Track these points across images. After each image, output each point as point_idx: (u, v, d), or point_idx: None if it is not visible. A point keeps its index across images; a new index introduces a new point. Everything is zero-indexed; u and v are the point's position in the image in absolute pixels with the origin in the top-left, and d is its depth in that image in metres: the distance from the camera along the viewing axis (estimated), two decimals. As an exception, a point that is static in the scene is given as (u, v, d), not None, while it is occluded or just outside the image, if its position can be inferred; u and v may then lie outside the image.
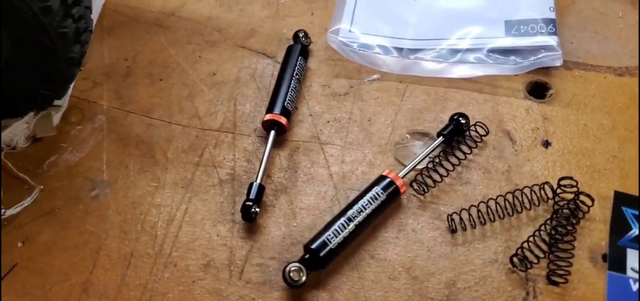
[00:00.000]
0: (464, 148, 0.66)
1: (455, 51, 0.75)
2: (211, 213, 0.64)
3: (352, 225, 0.59)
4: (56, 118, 0.71)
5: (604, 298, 0.57)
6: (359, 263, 0.60)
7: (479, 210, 0.62)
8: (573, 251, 0.58)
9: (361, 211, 0.60)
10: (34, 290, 0.59)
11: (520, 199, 0.62)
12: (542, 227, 0.60)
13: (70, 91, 0.73)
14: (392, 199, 0.62)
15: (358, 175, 0.66)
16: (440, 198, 0.64)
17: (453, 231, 0.61)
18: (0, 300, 0.59)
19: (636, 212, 0.61)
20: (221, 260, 0.61)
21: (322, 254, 0.57)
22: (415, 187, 0.64)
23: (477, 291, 0.58)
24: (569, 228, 0.59)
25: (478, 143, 0.67)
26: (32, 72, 0.62)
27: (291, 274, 0.56)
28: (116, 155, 0.69)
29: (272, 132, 0.67)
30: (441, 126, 0.68)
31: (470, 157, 0.66)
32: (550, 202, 0.62)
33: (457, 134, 0.67)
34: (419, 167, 0.65)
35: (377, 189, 0.61)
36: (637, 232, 0.60)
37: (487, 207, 0.62)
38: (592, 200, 0.60)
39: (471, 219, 0.61)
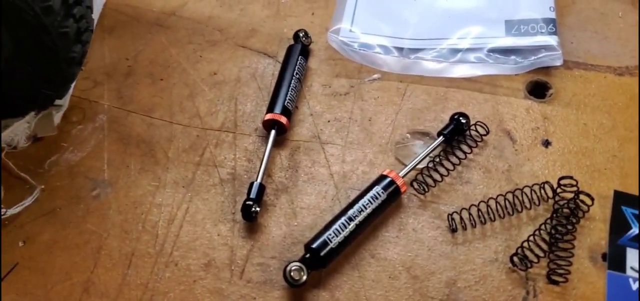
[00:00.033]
0: (464, 147, 0.66)
1: (456, 51, 0.75)
2: (212, 213, 0.64)
3: (352, 225, 0.59)
4: (57, 117, 0.71)
5: (603, 297, 0.57)
6: (359, 262, 0.60)
7: (479, 210, 0.62)
8: (573, 250, 0.59)
9: (362, 210, 0.60)
10: (35, 289, 0.60)
11: (520, 198, 0.62)
12: (542, 226, 0.60)
13: (71, 91, 0.73)
14: (392, 198, 0.62)
15: (359, 174, 0.66)
16: (440, 197, 0.64)
17: (453, 230, 0.62)
18: (0, 300, 0.59)
19: (636, 211, 0.61)
20: (222, 260, 0.61)
21: (322, 253, 0.57)
22: (416, 186, 0.64)
23: (477, 290, 0.58)
24: (569, 227, 0.59)
25: (478, 143, 0.67)
26: (33, 71, 0.62)
27: (292, 273, 0.56)
28: (117, 155, 0.69)
29: (273, 132, 0.68)
30: (441, 125, 0.68)
31: (470, 156, 0.66)
32: (550, 201, 0.62)
33: (457, 134, 0.67)
34: (420, 166, 0.65)
35: (377, 188, 0.61)
36: (636, 231, 0.60)
37: (488, 206, 0.62)
38: (592, 199, 0.61)
39: (471, 218, 0.62)
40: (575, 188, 0.61)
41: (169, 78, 0.76)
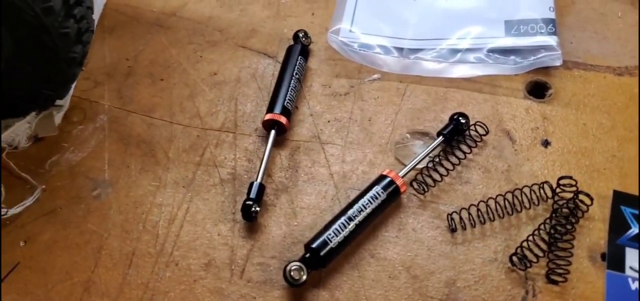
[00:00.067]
0: (464, 147, 0.66)
1: (456, 51, 0.75)
2: (212, 213, 0.64)
3: (352, 224, 0.59)
4: (58, 118, 0.71)
5: (602, 296, 0.57)
6: (359, 262, 0.60)
7: (478, 210, 0.62)
8: (572, 250, 0.59)
9: (361, 210, 0.60)
10: (36, 289, 0.60)
11: (519, 198, 0.62)
12: (542, 226, 0.60)
13: (71, 91, 0.73)
14: (392, 198, 0.62)
15: (358, 174, 0.66)
16: (440, 197, 0.64)
17: (453, 230, 0.62)
18: (0, 300, 0.59)
19: (635, 211, 0.61)
20: (222, 259, 0.61)
21: (322, 253, 0.57)
22: (416, 186, 0.64)
23: (476, 290, 0.58)
24: (568, 227, 0.59)
25: (478, 143, 0.67)
26: (33, 72, 0.62)
27: (292, 273, 0.56)
28: (118, 155, 0.69)
29: (273, 132, 0.68)
30: (441, 126, 0.68)
31: (470, 156, 0.66)
32: (550, 201, 0.62)
33: (457, 134, 0.67)
34: (419, 166, 0.65)
35: (377, 188, 0.61)
36: (636, 231, 0.60)
37: (487, 206, 0.62)
38: (591, 199, 0.61)
39: (471, 218, 0.62)
40: (574, 188, 0.61)
41: (169, 78, 0.76)
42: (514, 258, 0.59)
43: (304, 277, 0.56)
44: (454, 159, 0.65)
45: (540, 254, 0.58)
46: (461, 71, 0.74)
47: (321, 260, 0.58)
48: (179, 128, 0.71)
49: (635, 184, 0.63)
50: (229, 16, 0.82)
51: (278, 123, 0.68)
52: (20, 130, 0.69)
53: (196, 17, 0.82)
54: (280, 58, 0.76)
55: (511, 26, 0.76)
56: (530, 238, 0.59)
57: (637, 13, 0.79)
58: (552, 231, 0.59)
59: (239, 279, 0.60)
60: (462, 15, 0.78)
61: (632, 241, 0.60)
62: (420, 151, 0.66)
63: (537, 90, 0.72)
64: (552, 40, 0.73)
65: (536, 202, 0.62)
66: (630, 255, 0.59)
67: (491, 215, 0.62)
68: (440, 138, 0.67)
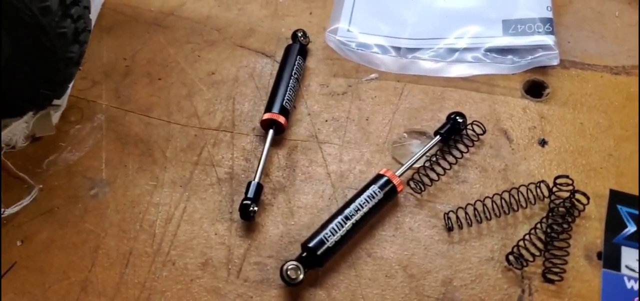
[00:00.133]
0: (461, 147, 0.66)
1: (453, 50, 0.75)
2: (209, 212, 0.64)
3: (349, 224, 0.59)
4: (55, 117, 0.72)
5: (598, 295, 0.57)
6: (356, 261, 0.60)
7: (475, 209, 0.62)
8: (568, 249, 0.59)
9: (358, 209, 0.60)
10: (33, 288, 0.60)
11: (516, 197, 0.62)
12: (538, 225, 0.60)
13: (69, 90, 0.73)
14: (389, 198, 0.62)
15: (356, 173, 0.67)
16: (437, 196, 0.64)
17: (450, 229, 0.62)
18: (0, 299, 0.59)
19: (631, 210, 0.61)
20: (219, 259, 0.61)
21: (319, 252, 0.57)
22: (413, 185, 0.64)
23: (473, 289, 0.58)
24: (565, 226, 0.59)
25: (475, 142, 0.67)
26: (31, 71, 0.62)
27: (289, 272, 0.56)
28: (115, 154, 0.69)
29: (271, 131, 0.68)
30: (438, 125, 0.68)
31: (467, 155, 0.67)
32: (546, 200, 0.62)
33: (454, 133, 0.67)
34: (416, 165, 0.65)
35: (374, 188, 0.61)
36: (632, 230, 0.60)
37: (484, 205, 0.62)
38: (588, 198, 0.61)
39: (468, 217, 0.62)
40: (571, 187, 0.61)
41: (167, 78, 0.76)
42: (511, 257, 0.59)
43: (301, 276, 0.57)
44: (451, 158, 0.65)
45: (537, 253, 0.58)
46: (459, 70, 0.74)
47: (318, 259, 0.58)
48: (176, 127, 0.71)
49: (631, 183, 0.64)
50: (226, 15, 0.82)
51: (276, 123, 0.68)
52: (17, 130, 0.69)
53: (194, 16, 0.82)
54: (278, 57, 0.76)
55: (509, 25, 0.76)
56: (527, 237, 0.59)
57: (634, 12, 0.79)
58: (549, 230, 0.60)
59: (235, 278, 0.60)
60: (459, 15, 0.78)
61: (628, 240, 0.60)
62: (418, 150, 0.66)
63: (535, 89, 0.72)
64: (549, 40, 0.73)
65: (533, 201, 0.63)
66: (626, 254, 0.59)
67: (488, 214, 0.62)
68: (438, 137, 0.67)
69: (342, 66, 0.76)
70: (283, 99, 0.69)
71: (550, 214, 0.61)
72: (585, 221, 0.61)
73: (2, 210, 0.64)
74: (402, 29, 0.78)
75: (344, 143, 0.69)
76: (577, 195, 0.61)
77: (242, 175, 0.67)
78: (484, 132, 0.68)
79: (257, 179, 0.64)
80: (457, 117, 0.67)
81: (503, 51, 0.74)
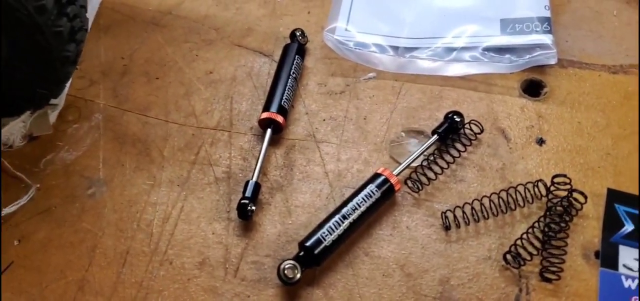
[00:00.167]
0: (459, 146, 0.66)
1: (451, 49, 0.75)
2: (207, 211, 0.64)
3: (346, 223, 0.59)
4: (52, 116, 0.71)
5: (596, 294, 0.57)
6: (353, 260, 0.60)
7: (473, 208, 0.62)
8: (566, 248, 0.59)
9: (356, 208, 0.60)
10: (30, 288, 0.60)
11: (514, 197, 0.62)
12: (536, 224, 0.60)
13: (66, 90, 0.73)
14: (386, 197, 0.62)
15: (353, 173, 0.66)
16: (434, 195, 0.64)
17: (447, 228, 0.62)
18: (0, 298, 0.59)
19: (629, 209, 0.61)
20: (216, 258, 0.61)
21: (316, 251, 0.57)
22: (410, 184, 0.64)
23: (470, 288, 0.58)
24: (562, 225, 0.59)
25: (473, 141, 0.67)
26: (27, 71, 0.62)
27: (286, 271, 0.56)
28: (112, 154, 0.69)
29: (269, 130, 0.68)
30: (436, 124, 0.68)
31: (464, 154, 0.66)
32: (544, 199, 0.62)
33: (451, 132, 0.67)
34: (414, 164, 0.65)
35: (371, 187, 0.61)
36: (629, 229, 0.60)
37: (481, 204, 0.62)
38: (585, 197, 0.61)
39: (465, 216, 0.62)
40: (568, 186, 0.61)
41: (165, 77, 0.76)
42: (508, 256, 0.59)
43: (298, 275, 0.57)
44: (448, 157, 0.65)
45: (534, 252, 0.58)
46: (456, 70, 0.74)
47: (315, 258, 0.58)
48: (174, 127, 0.71)
49: (629, 182, 0.63)
50: (224, 15, 0.82)
51: (274, 122, 0.68)
52: (14, 129, 0.69)
53: (192, 15, 0.82)
54: (276, 57, 0.76)
55: (507, 25, 0.76)
56: (524, 236, 0.59)
57: (632, 11, 0.79)
58: (546, 229, 0.59)
59: (233, 277, 0.60)
60: (457, 14, 0.78)
61: (626, 239, 0.60)
62: (415, 149, 0.66)
63: (532, 88, 0.72)
64: (547, 39, 0.73)
65: (530, 200, 0.62)
66: (624, 253, 0.59)
67: (485, 213, 0.62)
68: (435, 136, 0.67)
69: (340, 65, 0.76)
70: (281, 98, 0.69)
71: (547, 213, 0.61)
72: (582, 220, 0.61)
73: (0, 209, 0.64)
74: (400, 28, 0.78)
75: (341, 143, 0.69)
76: (575, 194, 0.61)
77: (240, 175, 0.67)
78: (482, 131, 0.67)
79: (254, 178, 0.64)
80: (455, 116, 0.67)
81: (501, 50, 0.74)
